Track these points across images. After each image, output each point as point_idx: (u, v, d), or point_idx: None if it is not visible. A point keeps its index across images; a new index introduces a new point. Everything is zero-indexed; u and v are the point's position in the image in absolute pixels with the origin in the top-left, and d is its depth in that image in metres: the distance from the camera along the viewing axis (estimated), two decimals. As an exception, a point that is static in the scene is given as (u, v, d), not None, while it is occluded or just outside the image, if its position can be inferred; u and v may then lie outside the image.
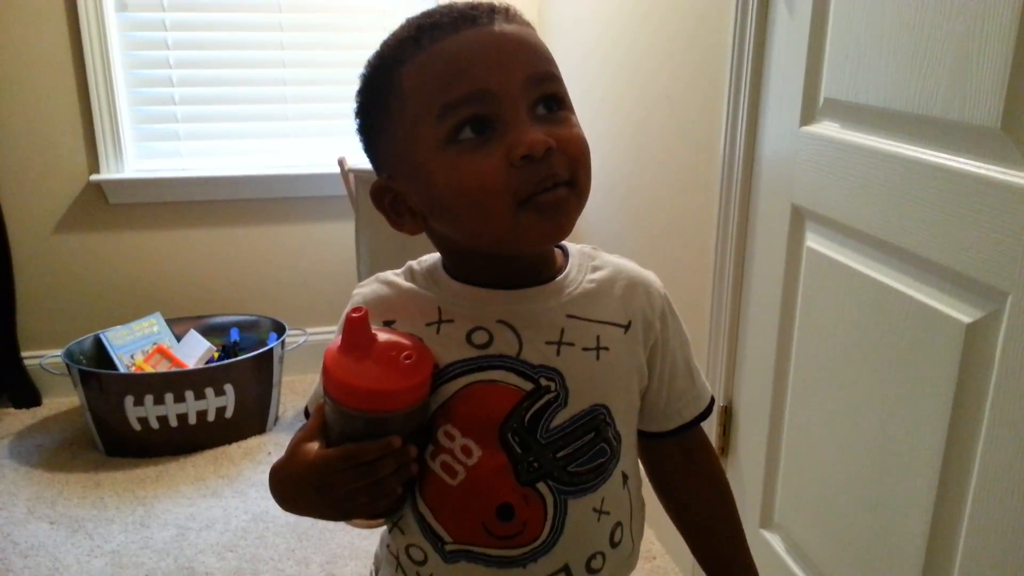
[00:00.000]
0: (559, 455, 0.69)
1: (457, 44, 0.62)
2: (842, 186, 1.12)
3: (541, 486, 0.68)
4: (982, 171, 0.87)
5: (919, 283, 0.99)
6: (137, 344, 2.31)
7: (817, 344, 1.22)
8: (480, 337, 0.68)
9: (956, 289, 0.93)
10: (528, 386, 0.68)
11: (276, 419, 2.33)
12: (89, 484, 2.02)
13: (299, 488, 0.67)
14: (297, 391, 2.48)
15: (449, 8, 0.65)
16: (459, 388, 0.68)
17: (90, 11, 2.26)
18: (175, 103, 2.45)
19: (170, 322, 2.41)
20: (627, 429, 0.74)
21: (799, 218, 1.24)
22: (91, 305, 2.46)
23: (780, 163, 1.28)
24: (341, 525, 1.82)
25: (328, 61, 2.49)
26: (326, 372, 0.64)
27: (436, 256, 0.74)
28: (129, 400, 2.07)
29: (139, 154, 2.46)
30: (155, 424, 2.11)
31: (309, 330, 2.48)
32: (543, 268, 0.71)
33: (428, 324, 0.69)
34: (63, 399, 2.43)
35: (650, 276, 0.76)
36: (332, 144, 2.49)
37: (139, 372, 2.20)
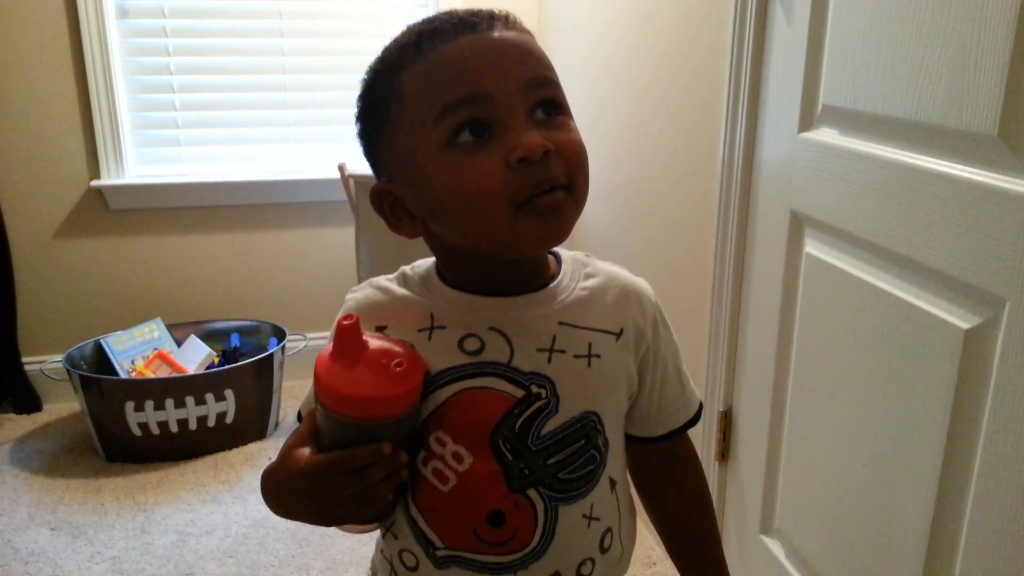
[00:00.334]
0: (550, 462, 0.69)
1: (456, 49, 0.63)
2: (840, 192, 1.12)
3: (532, 493, 0.69)
4: (979, 178, 0.88)
5: (918, 289, 0.99)
6: (138, 349, 2.31)
7: (816, 349, 1.22)
8: (472, 344, 0.68)
9: (954, 295, 0.93)
10: (519, 393, 0.68)
11: (277, 424, 2.34)
12: (90, 490, 2.02)
13: (290, 493, 0.68)
14: (297, 396, 2.48)
15: (449, 15, 0.65)
16: (451, 395, 0.68)
17: (91, 18, 2.27)
18: (176, 109, 2.46)
19: (170, 327, 2.41)
20: (616, 435, 0.75)
21: (798, 224, 1.25)
22: (92, 310, 2.47)
23: (779, 169, 1.29)
24: (341, 531, 1.82)
25: (328, 67, 2.50)
26: (317, 379, 0.64)
27: (430, 261, 0.74)
28: (130, 406, 2.07)
29: (140, 160, 2.46)
30: (156, 430, 2.11)
31: (309, 335, 2.48)
32: (536, 274, 0.72)
33: (420, 330, 0.70)
34: (64, 405, 2.43)
35: (642, 284, 0.76)
36: (332, 150, 2.49)
37: (140, 377, 2.20)
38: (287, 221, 2.56)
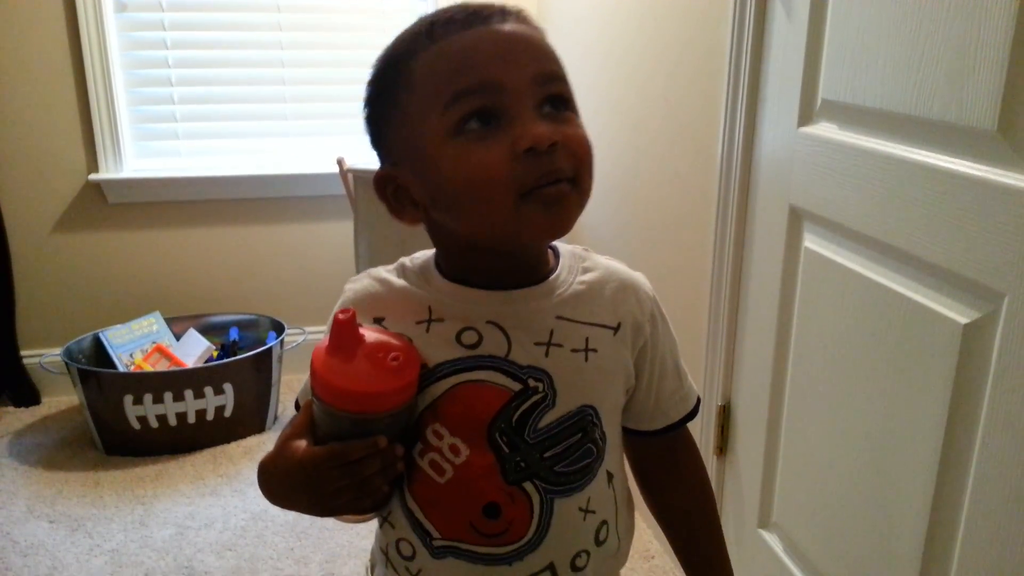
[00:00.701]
0: (546, 455, 0.69)
1: (470, 38, 0.64)
2: (839, 187, 1.12)
3: (528, 485, 0.69)
4: (979, 173, 0.88)
5: (916, 284, 0.99)
6: (136, 343, 2.31)
7: (815, 344, 1.22)
8: (470, 337, 0.69)
9: (953, 290, 0.93)
10: (516, 387, 0.68)
11: (275, 418, 2.34)
12: (88, 483, 2.02)
13: (287, 484, 0.68)
14: (296, 390, 2.46)
15: (462, 7, 0.66)
16: (448, 388, 0.68)
17: (89, 11, 2.26)
18: (174, 103, 2.45)
19: (169, 321, 2.41)
20: (613, 429, 0.75)
21: (797, 219, 1.25)
22: (90, 304, 2.47)
23: (778, 164, 1.29)
24: (340, 524, 1.82)
25: (327, 61, 2.50)
26: (313, 373, 0.64)
27: (429, 253, 0.75)
28: (128, 399, 2.08)
29: (138, 153, 2.46)
30: (154, 423, 2.11)
31: (308, 329, 2.49)
32: (535, 268, 0.72)
33: (418, 322, 0.70)
34: (62, 398, 2.43)
35: (640, 278, 0.77)
36: (331, 144, 2.49)
37: (138, 371, 2.20)
38: (286, 215, 2.56)
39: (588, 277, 0.73)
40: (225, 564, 1.71)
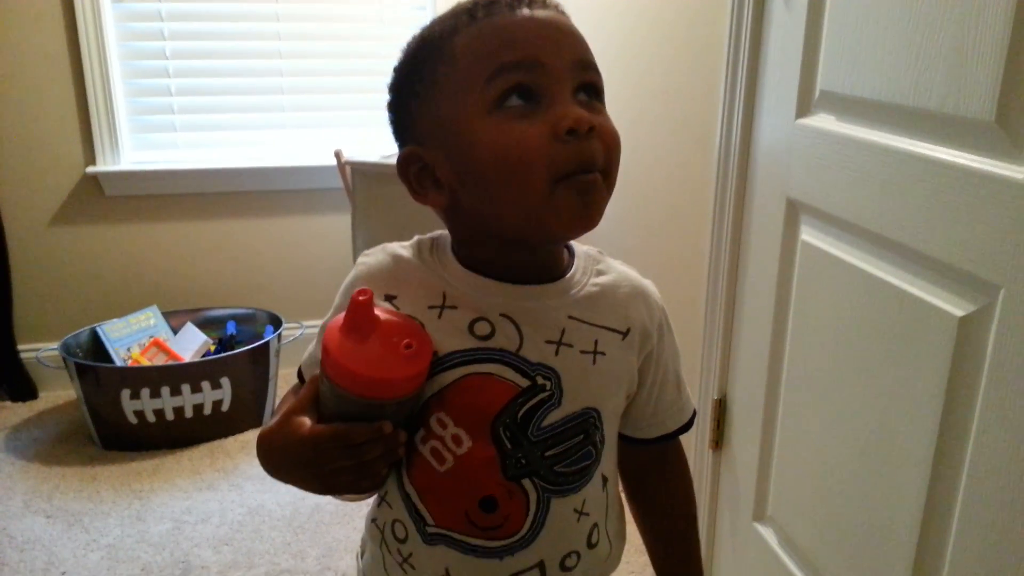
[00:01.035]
0: (547, 454, 0.69)
1: (513, 19, 0.64)
2: (837, 179, 1.11)
3: (526, 482, 0.69)
4: (976, 165, 0.87)
5: (912, 276, 0.99)
6: (133, 337, 2.31)
7: (811, 337, 1.22)
8: (482, 328, 0.68)
9: (949, 282, 0.93)
10: (525, 383, 0.68)
11: (273, 412, 2.33)
12: (85, 477, 2.02)
13: (287, 459, 0.68)
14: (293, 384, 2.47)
15: None
16: (456, 378, 0.68)
17: (86, 2, 2.25)
18: (171, 95, 2.44)
19: (166, 315, 2.41)
20: (611, 433, 0.75)
21: (794, 211, 1.24)
22: (87, 298, 2.46)
23: (775, 156, 1.28)
24: (337, 518, 1.83)
25: (325, 53, 2.48)
26: (326, 352, 0.64)
27: (446, 234, 0.74)
28: (125, 393, 2.07)
29: (135, 146, 2.45)
30: (151, 417, 2.11)
31: (305, 323, 2.48)
32: (551, 265, 0.72)
33: (431, 307, 0.69)
34: (59, 392, 2.43)
35: (650, 287, 0.77)
36: (329, 136, 2.49)
37: (135, 365, 2.20)
38: (284, 208, 2.55)
39: (602, 280, 0.73)
40: (222, 558, 1.71)
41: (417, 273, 0.71)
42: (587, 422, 0.71)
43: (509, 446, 0.68)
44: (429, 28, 0.68)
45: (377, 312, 0.64)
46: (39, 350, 2.34)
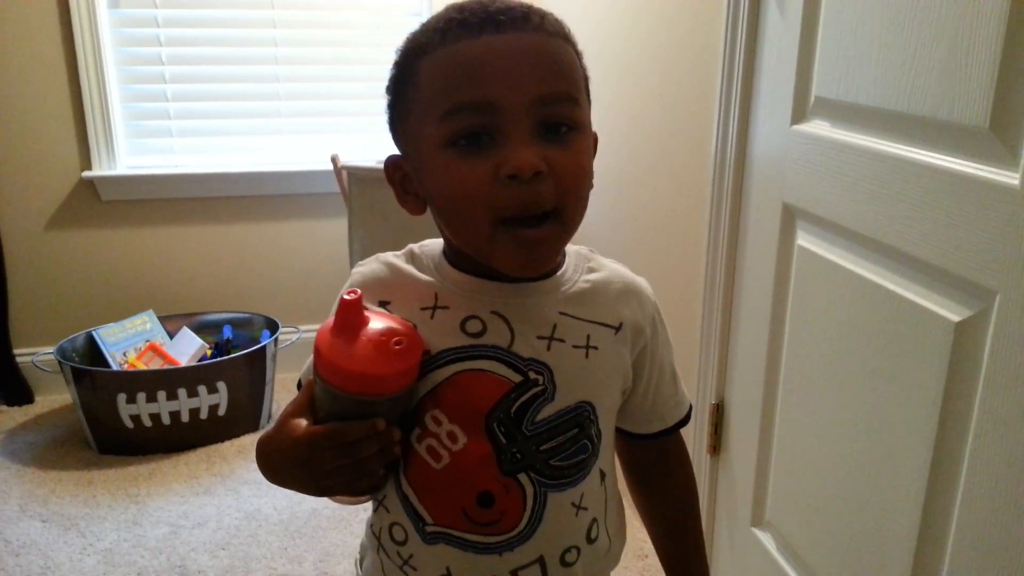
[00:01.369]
0: (543, 448, 0.70)
1: (477, 49, 0.63)
2: (832, 185, 1.12)
3: (523, 477, 0.70)
4: (971, 170, 0.87)
5: (908, 282, 0.99)
6: (130, 341, 2.31)
7: (808, 342, 1.22)
8: (474, 326, 0.69)
9: (945, 288, 0.93)
10: (517, 378, 0.69)
11: (269, 417, 2.33)
12: (81, 482, 2.01)
13: (284, 461, 0.68)
14: (290, 388, 2.45)
15: (483, 6, 0.64)
16: (449, 375, 0.69)
17: (82, 8, 2.25)
18: (167, 100, 2.45)
19: (163, 319, 2.41)
20: (607, 428, 0.76)
21: (790, 216, 1.25)
22: (84, 302, 2.46)
23: (771, 162, 1.28)
24: (334, 523, 1.82)
25: (321, 58, 2.49)
26: (317, 352, 0.65)
27: (439, 242, 0.75)
28: (122, 398, 2.07)
29: (131, 151, 2.45)
30: (148, 422, 2.10)
31: (302, 327, 2.48)
32: None
33: (423, 308, 0.71)
34: (56, 396, 2.42)
35: (643, 283, 0.78)
36: (325, 141, 2.49)
37: (132, 370, 2.19)
38: (280, 213, 2.55)
39: (593, 277, 0.74)
40: (219, 563, 1.71)
41: (409, 278, 0.73)
42: (581, 416, 0.71)
43: (504, 441, 0.69)
44: (412, 39, 0.68)
45: (367, 313, 0.66)
46: (35, 354, 2.33)
